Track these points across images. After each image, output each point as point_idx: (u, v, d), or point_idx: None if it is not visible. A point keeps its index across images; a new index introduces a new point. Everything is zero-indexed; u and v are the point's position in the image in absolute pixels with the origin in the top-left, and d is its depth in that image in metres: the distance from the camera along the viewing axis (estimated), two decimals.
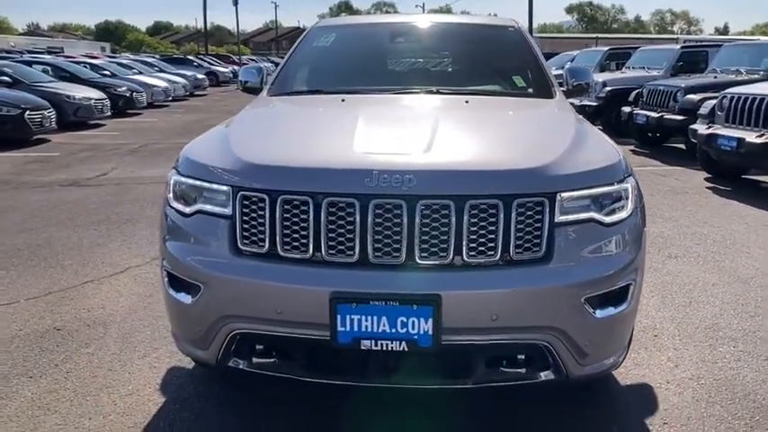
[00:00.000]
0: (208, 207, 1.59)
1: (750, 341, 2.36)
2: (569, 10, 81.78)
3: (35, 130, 8.09)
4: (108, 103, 10.48)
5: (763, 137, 4.76)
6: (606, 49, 11.94)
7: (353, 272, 1.45)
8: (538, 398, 1.91)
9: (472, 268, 1.45)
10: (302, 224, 1.48)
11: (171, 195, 1.71)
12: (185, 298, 1.61)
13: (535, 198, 1.47)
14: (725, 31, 73.71)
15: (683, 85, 6.94)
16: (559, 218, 1.48)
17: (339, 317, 1.42)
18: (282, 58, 2.98)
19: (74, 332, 2.42)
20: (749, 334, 2.42)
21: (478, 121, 2.02)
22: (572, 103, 2.47)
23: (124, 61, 17.58)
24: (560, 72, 2.69)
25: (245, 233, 1.53)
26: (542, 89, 2.44)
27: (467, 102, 2.21)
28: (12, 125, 7.76)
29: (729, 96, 5.29)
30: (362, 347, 1.43)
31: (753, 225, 4.11)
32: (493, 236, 1.45)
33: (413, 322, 1.41)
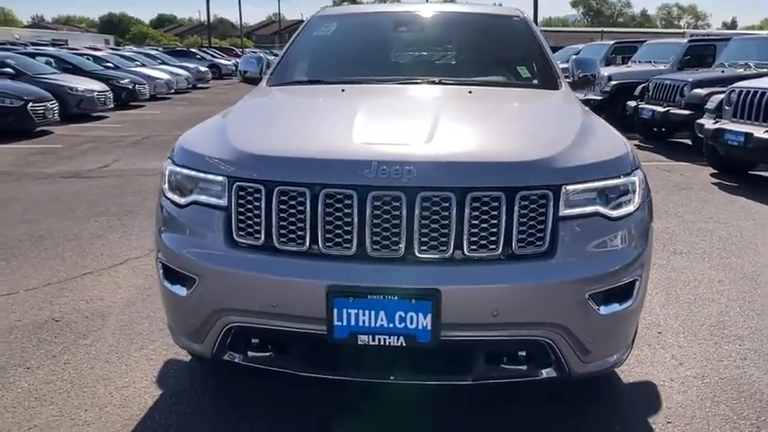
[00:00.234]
0: (203, 198, 1.56)
1: (756, 339, 2.31)
2: (575, 4, 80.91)
3: (38, 121, 8.09)
4: (111, 95, 10.45)
5: None
6: (612, 42, 11.78)
7: (351, 265, 1.42)
8: (539, 394, 1.88)
9: (473, 262, 1.42)
10: (299, 216, 1.45)
11: (166, 186, 1.68)
12: (180, 290, 1.59)
13: (539, 191, 1.43)
14: (733, 25, 72.84)
15: (690, 80, 6.84)
16: (564, 211, 1.45)
17: (336, 311, 1.39)
18: None
19: (72, 323, 2.42)
20: (756, 332, 2.38)
21: (482, 111, 1.98)
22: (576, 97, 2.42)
23: (127, 53, 17.55)
24: (566, 66, 2.63)
25: (240, 225, 1.50)
26: (548, 80, 2.39)
27: (470, 92, 2.17)
28: (15, 117, 7.77)
29: (738, 90, 5.20)
30: (359, 342, 1.41)
31: (760, 221, 4.05)
32: (495, 229, 1.42)
33: (411, 317, 1.38)
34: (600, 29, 39.46)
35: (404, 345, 1.40)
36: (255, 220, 1.48)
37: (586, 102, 8.44)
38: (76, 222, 3.90)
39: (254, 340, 1.55)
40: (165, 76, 14.60)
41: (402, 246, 1.41)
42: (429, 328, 1.38)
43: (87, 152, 6.90)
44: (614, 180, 1.52)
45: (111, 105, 10.47)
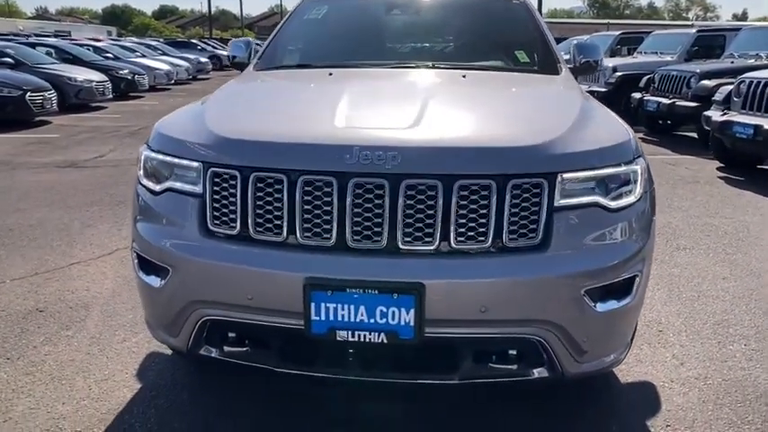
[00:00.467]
0: (178, 185, 1.50)
1: (763, 339, 2.22)
2: None
3: (36, 111, 8.10)
4: (109, 85, 10.44)
5: None
6: (618, 33, 11.53)
7: (330, 257, 1.34)
8: (533, 393, 1.80)
9: (460, 255, 1.33)
10: (276, 204, 1.38)
11: (141, 172, 1.62)
12: (154, 281, 1.53)
13: (533, 179, 1.34)
14: (743, 17, 71.58)
15: (697, 70, 6.66)
16: (560, 201, 1.35)
17: (313, 305, 1.32)
18: None
19: (56, 314, 2.39)
20: (762, 331, 2.28)
21: (475, 96, 1.88)
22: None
23: (127, 44, 17.51)
24: (569, 58, 2.50)
25: (215, 213, 1.43)
26: (547, 65, 2.29)
27: (464, 76, 2.06)
28: (13, 107, 7.78)
29: (748, 81, 5.04)
30: (338, 338, 1.33)
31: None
32: (484, 220, 1.33)
33: (393, 312, 1.30)
34: (606, 21, 38.86)
35: (385, 341, 1.32)
36: (231, 208, 1.41)
37: (590, 94, 8.14)
38: (68, 212, 3.89)
39: (230, 334, 1.49)
40: (165, 67, 14.55)
41: (384, 236, 1.33)
42: (412, 324, 1.30)
43: (84, 142, 6.90)
44: (614, 168, 1.43)
45: (110, 96, 10.47)
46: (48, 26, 40.02)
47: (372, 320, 1.31)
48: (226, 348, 1.49)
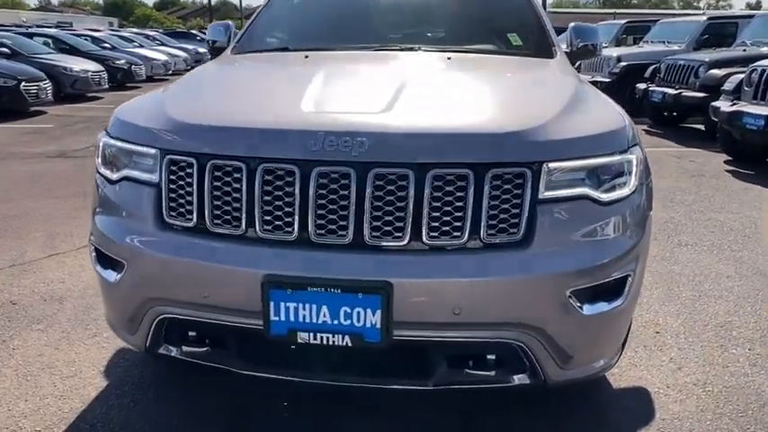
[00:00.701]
0: (134, 173, 1.41)
1: None
2: None
3: (31, 101, 8.09)
4: (105, 75, 10.39)
5: None
6: (623, 22, 11.23)
7: (290, 252, 1.23)
8: (516, 396, 1.68)
9: (433, 252, 1.22)
10: (234, 195, 1.28)
11: (99, 160, 1.54)
12: (111, 276, 1.45)
13: (515, 168, 1.22)
14: (757, 5, 69.92)
15: (706, 59, 6.43)
16: (545, 193, 1.23)
17: (272, 304, 1.21)
18: None
19: (28, 307, 2.33)
20: None
21: (457, 79, 1.75)
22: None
23: (125, 34, 17.49)
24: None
25: (171, 204, 1.34)
26: (541, 48, 2.15)
27: (449, 58, 1.92)
28: (8, 96, 7.77)
29: (760, 70, 4.84)
30: (299, 341, 1.22)
31: None
32: (460, 213, 1.21)
33: (358, 313, 1.19)
34: (612, 10, 38.14)
35: (349, 344, 1.21)
36: (188, 198, 1.32)
37: (592, 84, 7.92)
38: (54, 202, 3.84)
39: (190, 333, 1.40)
40: (163, 57, 14.49)
41: (350, 231, 1.22)
42: (378, 326, 1.19)
43: (78, 132, 6.90)
44: (607, 158, 1.30)
45: (106, 86, 10.45)
46: (50, 17, 40.23)
47: (336, 322, 1.20)
48: (185, 348, 1.41)
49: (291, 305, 1.20)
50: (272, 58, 2.17)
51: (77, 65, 9.88)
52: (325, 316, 1.20)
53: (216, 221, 1.29)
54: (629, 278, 1.34)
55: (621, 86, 7.86)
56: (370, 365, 1.33)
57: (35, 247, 2.98)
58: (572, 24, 2.41)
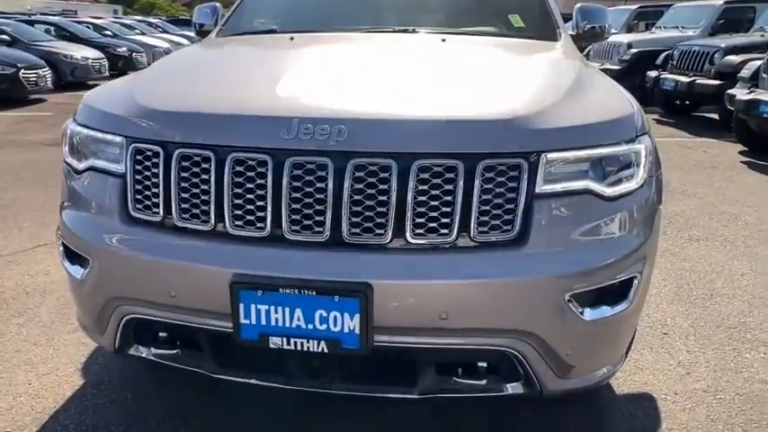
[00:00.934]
0: (100, 163, 1.33)
1: None
2: None
3: (30, 89, 8.04)
4: (106, 63, 10.35)
5: None
6: (635, 7, 10.87)
7: (262, 250, 1.14)
8: (509, 400, 1.59)
9: (417, 251, 1.11)
10: (203, 187, 1.18)
11: (66, 149, 1.46)
12: (77, 273, 1.37)
13: (509, 159, 1.10)
14: None
15: (722, 45, 6.19)
16: (543, 187, 1.12)
17: (242, 306, 1.12)
18: None
19: (10, 300, 2.28)
20: None
21: (450, 63, 1.62)
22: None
23: (127, 21, 17.48)
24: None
25: (137, 196, 1.26)
26: (544, 30, 2.01)
27: (443, 40, 1.79)
28: (7, 84, 7.72)
29: None
30: (272, 345, 1.13)
31: None
32: (448, 209, 1.10)
33: (335, 318, 1.09)
34: None
35: (325, 351, 1.12)
36: (154, 190, 1.23)
37: (603, 72, 7.68)
38: (45, 191, 3.78)
39: (161, 334, 1.33)
40: (165, 45, 14.41)
41: (327, 227, 1.12)
42: (357, 331, 1.09)
43: None
44: (612, 148, 1.18)
45: (107, 74, 10.38)
46: (55, 5, 40.30)
47: (311, 326, 1.11)
48: (155, 350, 1.34)
49: (263, 307, 1.11)
50: (256, 41, 2.06)
51: (77, 52, 9.82)
52: (299, 320, 1.11)
53: (183, 216, 1.20)
54: (635, 280, 1.23)
55: (632, 74, 7.62)
56: (351, 372, 1.23)
57: (22, 238, 2.93)
58: (578, 5, 2.25)
